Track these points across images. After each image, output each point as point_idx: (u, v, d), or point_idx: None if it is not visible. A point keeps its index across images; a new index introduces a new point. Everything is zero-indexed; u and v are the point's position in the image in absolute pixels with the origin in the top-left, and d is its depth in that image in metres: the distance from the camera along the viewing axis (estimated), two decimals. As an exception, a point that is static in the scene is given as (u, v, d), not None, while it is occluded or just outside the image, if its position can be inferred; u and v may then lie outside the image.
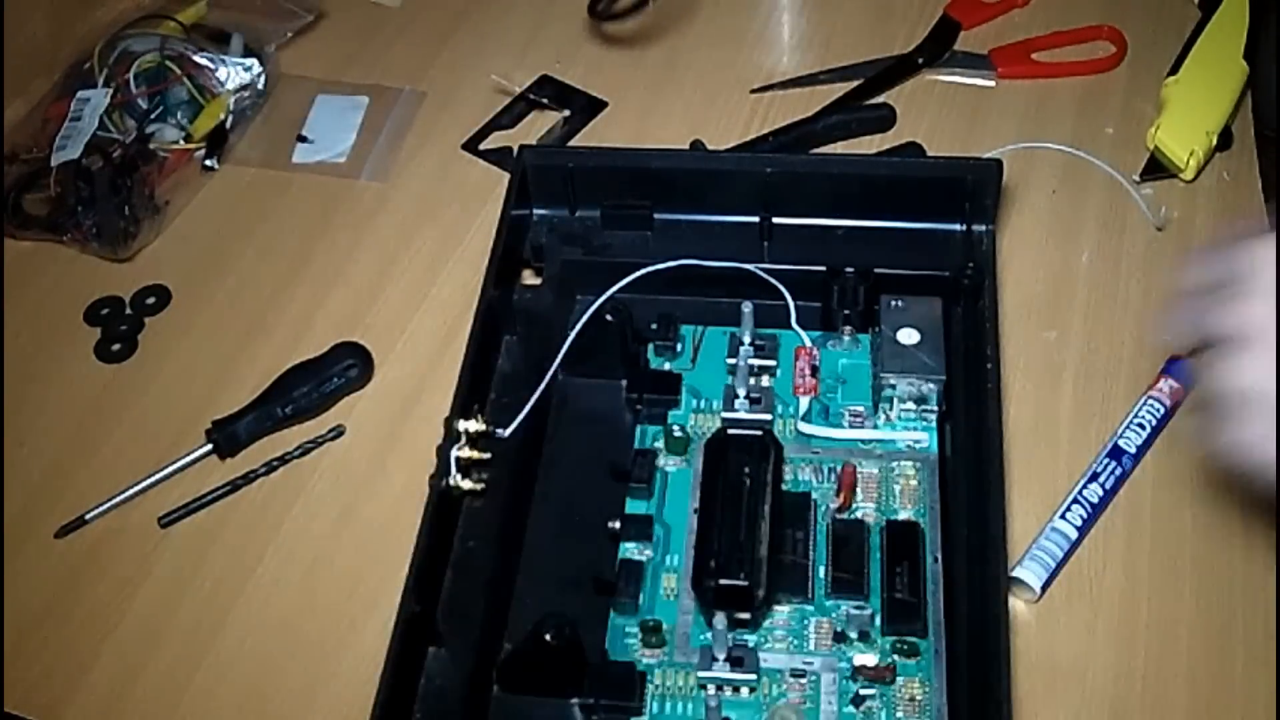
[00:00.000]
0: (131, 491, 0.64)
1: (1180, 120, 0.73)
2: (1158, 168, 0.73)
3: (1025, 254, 0.70)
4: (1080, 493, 0.59)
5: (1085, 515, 0.58)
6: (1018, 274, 0.69)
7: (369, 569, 0.61)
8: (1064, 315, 0.68)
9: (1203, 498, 0.60)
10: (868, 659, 0.53)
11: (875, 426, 0.61)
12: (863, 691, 0.52)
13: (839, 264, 0.63)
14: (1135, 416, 0.62)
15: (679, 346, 0.65)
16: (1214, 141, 0.72)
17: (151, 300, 0.73)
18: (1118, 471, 0.60)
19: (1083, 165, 0.75)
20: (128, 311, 0.73)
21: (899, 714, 0.51)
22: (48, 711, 0.58)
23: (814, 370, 0.62)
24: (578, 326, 0.62)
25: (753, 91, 0.82)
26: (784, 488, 0.58)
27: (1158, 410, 0.62)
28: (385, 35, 0.89)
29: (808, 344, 0.62)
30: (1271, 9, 0.68)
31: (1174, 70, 0.75)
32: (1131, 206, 0.72)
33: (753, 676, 0.52)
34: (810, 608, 0.55)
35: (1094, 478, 0.59)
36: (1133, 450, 0.60)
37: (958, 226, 0.66)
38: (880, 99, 0.79)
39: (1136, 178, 0.73)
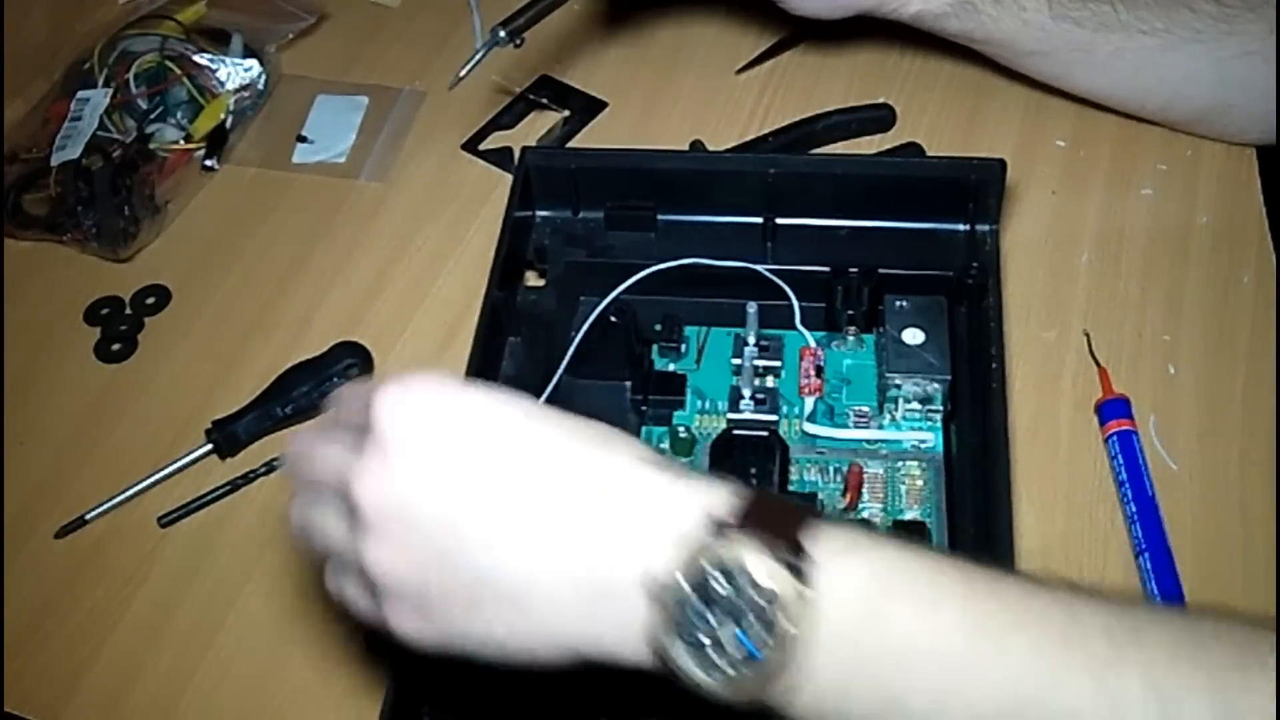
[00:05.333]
0: (131, 491, 0.64)
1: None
2: None
3: (1025, 254, 0.70)
4: (1148, 579, 0.57)
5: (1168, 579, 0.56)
6: (1018, 274, 0.69)
7: (371, 569, 0.60)
8: (1064, 315, 0.68)
9: (1201, 497, 0.60)
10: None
11: (880, 426, 0.61)
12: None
13: (843, 264, 0.63)
14: (1116, 463, 0.60)
15: (683, 348, 0.64)
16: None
17: (151, 300, 0.73)
18: (1152, 527, 0.58)
19: (1083, 165, 0.75)
20: (128, 311, 0.73)
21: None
22: (48, 711, 0.57)
23: (819, 370, 0.62)
24: (584, 329, 0.61)
25: (738, 72, 0.82)
26: (790, 488, 0.58)
27: (1120, 445, 0.61)
28: (385, 35, 0.89)
29: (812, 344, 0.63)
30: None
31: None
32: (1131, 206, 0.72)
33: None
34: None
35: (1140, 553, 0.57)
36: (1147, 492, 0.59)
37: (961, 226, 0.66)
38: (880, 99, 0.79)
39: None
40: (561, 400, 0.63)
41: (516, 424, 0.41)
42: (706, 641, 0.37)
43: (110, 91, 0.80)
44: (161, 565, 0.62)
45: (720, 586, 0.37)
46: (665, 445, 0.61)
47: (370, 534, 0.40)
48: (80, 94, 0.80)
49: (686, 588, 0.37)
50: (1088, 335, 0.66)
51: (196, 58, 0.82)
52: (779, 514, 0.38)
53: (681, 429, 0.60)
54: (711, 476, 0.40)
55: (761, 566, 0.37)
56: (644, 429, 0.62)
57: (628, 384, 0.63)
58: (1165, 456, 0.61)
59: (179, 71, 0.81)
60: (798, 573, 0.37)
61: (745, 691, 0.37)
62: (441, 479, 0.40)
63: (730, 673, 0.37)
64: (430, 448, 0.40)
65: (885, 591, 0.37)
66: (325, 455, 0.43)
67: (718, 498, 0.38)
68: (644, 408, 0.62)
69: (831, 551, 0.37)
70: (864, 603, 0.37)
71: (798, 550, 0.37)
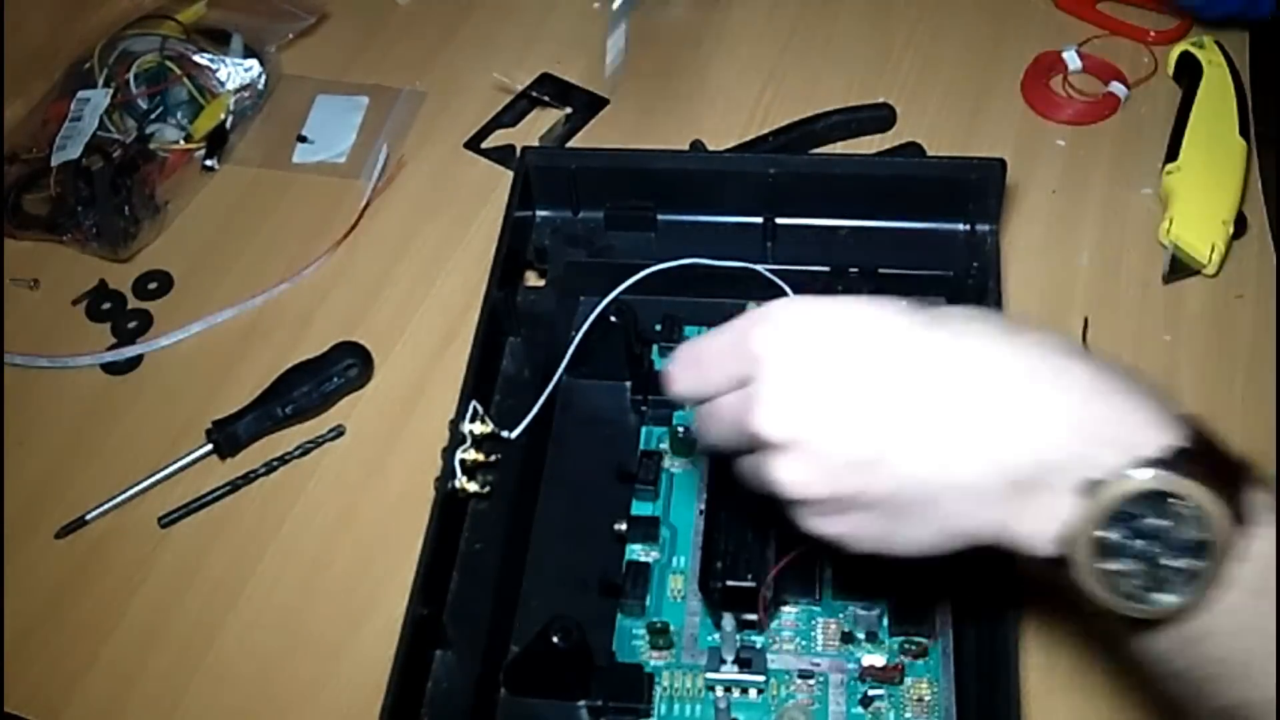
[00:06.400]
0: (131, 491, 0.64)
1: (1192, 213, 0.68)
2: (1181, 267, 0.68)
3: (1025, 254, 0.70)
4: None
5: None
6: (1017, 274, 0.69)
7: (369, 569, 0.61)
8: (1064, 315, 0.67)
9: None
10: (876, 659, 0.53)
11: (880, 427, 0.60)
12: (871, 692, 0.52)
13: (843, 264, 0.64)
14: None
15: (683, 347, 0.64)
16: (1230, 230, 0.68)
17: (152, 300, 0.73)
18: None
19: (1083, 165, 0.75)
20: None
21: (907, 714, 0.51)
22: (48, 712, 0.57)
23: (819, 371, 0.62)
24: (584, 329, 0.61)
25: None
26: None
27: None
28: (386, 35, 0.89)
29: (812, 344, 0.62)
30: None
31: (1171, 157, 0.71)
32: (1131, 206, 0.72)
33: (761, 678, 0.52)
34: (818, 608, 0.55)
35: None
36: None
37: (961, 226, 0.66)
38: (880, 99, 0.79)
39: (1162, 277, 0.69)
40: (561, 400, 0.63)
41: (899, 330, 0.42)
42: (1124, 563, 0.38)
43: (110, 91, 0.80)
44: (161, 565, 0.62)
45: (1157, 511, 0.38)
46: (665, 445, 0.61)
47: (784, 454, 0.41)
48: (80, 94, 0.80)
49: (1123, 500, 0.38)
50: (1085, 321, 0.66)
51: (196, 58, 0.82)
52: (1226, 458, 0.39)
53: (681, 429, 0.60)
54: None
55: (1208, 505, 0.37)
56: (644, 429, 0.62)
57: (628, 384, 0.63)
58: (1165, 457, 0.61)
59: (179, 71, 0.81)
60: (1238, 521, 0.38)
61: (1130, 608, 0.39)
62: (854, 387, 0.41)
63: (1131, 586, 0.38)
64: (830, 363, 0.41)
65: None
66: (720, 405, 0.43)
67: (1169, 421, 0.39)
68: (644, 408, 0.62)
69: (1264, 508, 0.38)
70: (1267, 573, 0.38)
71: (1238, 499, 0.38)
